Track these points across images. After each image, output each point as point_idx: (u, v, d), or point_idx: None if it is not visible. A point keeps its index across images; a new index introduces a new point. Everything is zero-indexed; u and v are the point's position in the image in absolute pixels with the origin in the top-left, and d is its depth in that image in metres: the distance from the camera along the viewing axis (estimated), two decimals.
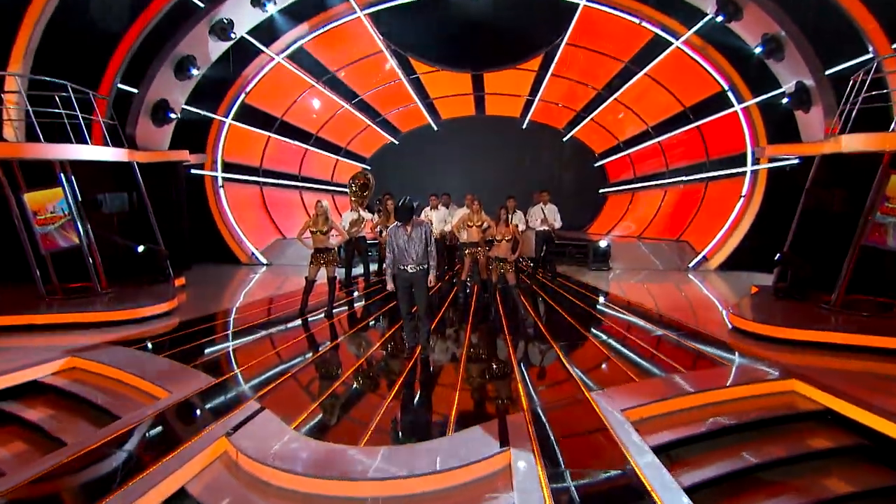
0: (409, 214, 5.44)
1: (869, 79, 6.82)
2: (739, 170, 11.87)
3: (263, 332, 6.85)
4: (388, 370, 5.59)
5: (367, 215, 9.87)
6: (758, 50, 9.28)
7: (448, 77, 14.62)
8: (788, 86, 9.21)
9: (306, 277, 7.49)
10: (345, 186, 12.91)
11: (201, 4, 9.86)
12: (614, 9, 11.35)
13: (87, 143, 7.93)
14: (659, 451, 3.70)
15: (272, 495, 3.29)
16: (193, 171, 12.25)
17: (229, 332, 7.14)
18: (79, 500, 3.30)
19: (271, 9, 10.30)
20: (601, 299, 9.24)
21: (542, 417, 4.13)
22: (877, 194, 6.89)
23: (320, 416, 4.28)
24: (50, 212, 7.75)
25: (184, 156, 10.43)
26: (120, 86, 9.60)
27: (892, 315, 6.65)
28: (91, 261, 8.00)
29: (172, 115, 10.38)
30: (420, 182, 14.36)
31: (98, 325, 6.83)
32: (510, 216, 7.67)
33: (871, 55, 7.89)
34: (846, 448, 4.16)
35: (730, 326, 6.84)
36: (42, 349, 5.66)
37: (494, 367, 5.70)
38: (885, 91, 7.24)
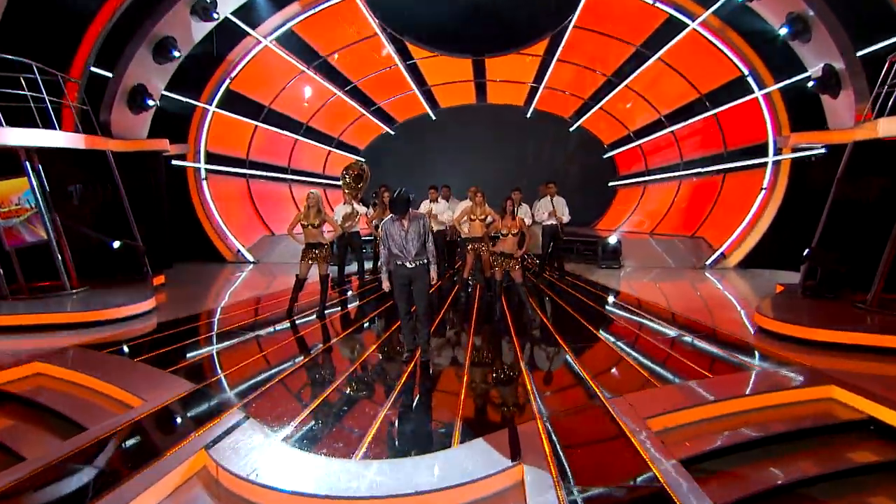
0: (406, 206, 5.30)
1: None
2: (760, 160, 11.73)
3: (249, 335, 6.71)
4: (385, 375, 5.45)
5: (361, 209, 9.71)
6: (783, 31, 9.10)
7: (447, 63, 14.44)
8: (815, 69, 9.05)
9: (297, 275, 7.36)
10: (337, 179, 12.77)
11: None
12: None
13: (55, 129, 7.71)
14: (687, 464, 3.52)
15: None
16: (174, 162, 12.11)
17: (212, 334, 6.99)
18: None
19: None
20: (614, 299, 9.13)
21: (557, 427, 3.95)
22: None
23: (311, 425, 4.11)
24: (15, 204, 7.56)
25: (163, 145, 10.28)
26: (93, 69, 9.39)
27: None
28: (60, 257, 7.84)
29: (151, 102, 10.21)
30: (417, 175, 14.24)
31: (67, 327, 6.69)
32: (516, 209, 7.52)
33: None
34: (893, 462, 3.97)
35: (754, 328, 6.70)
36: (4, 354, 5.50)
37: (501, 371, 5.57)
38: None
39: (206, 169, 12.94)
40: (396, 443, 3.96)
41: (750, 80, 11.44)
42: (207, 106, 12.61)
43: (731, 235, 11.96)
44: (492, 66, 15.08)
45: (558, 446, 3.63)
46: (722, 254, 12.00)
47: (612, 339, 6.52)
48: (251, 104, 13.77)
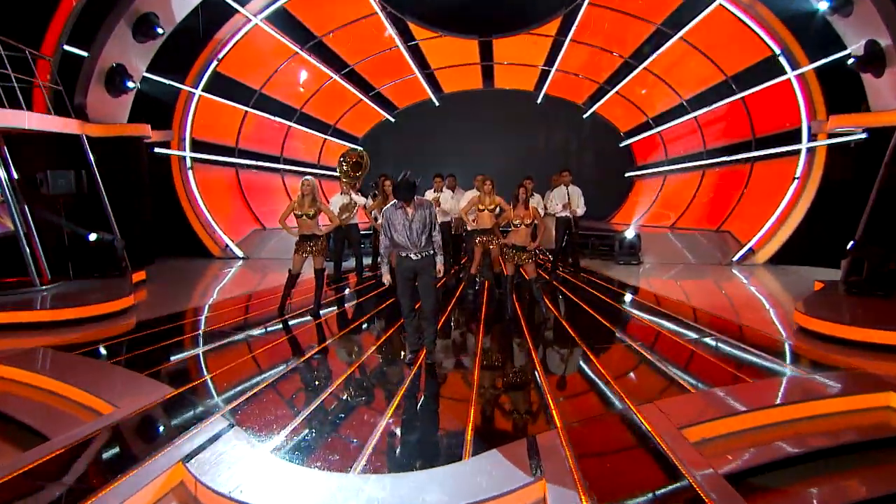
0: (411, 192, 5.15)
1: None
2: (792, 147, 11.57)
3: (236, 335, 6.58)
4: (387, 380, 5.30)
5: (359, 200, 9.50)
6: (822, 5, 8.89)
7: (452, 44, 14.36)
8: (856, 46, 8.83)
9: (290, 270, 7.24)
10: (333, 170, 12.67)
11: None
12: None
13: (24, 110, 7.53)
14: (732, 480, 3.31)
15: None
16: (157, 149, 12.02)
17: (195, 334, 6.88)
18: None
19: None
20: (635, 297, 9.02)
21: (581, 437, 3.79)
22: None
23: (303, 435, 3.94)
24: None
25: (144, 130, 10.17)
26: (67, 47, 9.22)
27: None
28: (29, 250, 7.70)
29: (131, 84, 10.09)
30: (419, 165, 13.97)
31: (36, 327, 6.58)
32: (529, 197, 7.30)
33: None
34: None
35: (794, 328, 6.53)
36: None
37: (515, 375, 5.42)
38: None
39: (191, 158, 12.85)
40: (399, 455, 3.81)
41: (782, 59, 11.24)
42: (193, 89, 12.49)
43: (760, 229, 11.83)
44: (500, 48, 14.96)
45: (585, 458, 3.44)
46: (750, 249, 11.87)
47: (634, 341, 6.35)
48: (240, 88, 13.66)
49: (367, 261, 10.81)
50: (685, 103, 14.60)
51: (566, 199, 9.75)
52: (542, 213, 9.43)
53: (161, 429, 4.04)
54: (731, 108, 13.33)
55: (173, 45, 10.88)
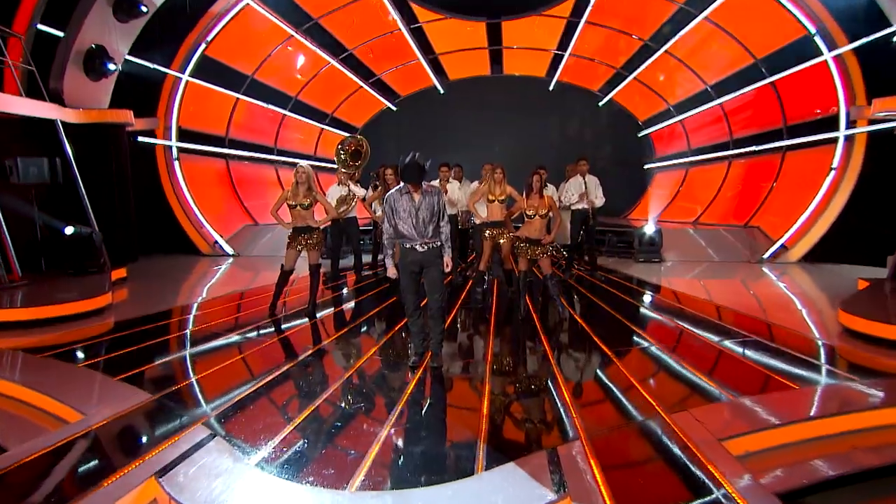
0: (419, 175, 5.01)
1: None
2: (828, 135, 11.45)
3: (222, 337, 6.45)
4: (388, 385, 5.16)
5: (358, 191, 9.32)
6: None
7: (458, 27, 14.33)
8: None
9: (282, 266, 7.12)
10: (331, 162, 12.55)
11: None
12: None
13: None
14: (785, 500, 3.10)
15: None
16: (141, 138, 11.99)
17: (177, 335, 6.77)
18: None
19: None
20: (658, 296, 8.92)
21: (607, 448, 3.63)
22: None
23: (295, 447, 3.78)
24: None
25: (125, 117, 10.13)
26: (41, 26, 9.13)
27: None
28: None
29: (112, 67, 10.06)
30: (422, 156, 13.92)
31: (3, 327, 6.47)
32: (543, 186, 7.11)
33: None
34: None
35: (838, 329, 6.36)
36: None
37: (531, 380, 5.27)
38: None
39: (178, 147, 12.83)
40: (402, 469, 3.64)
41: (818, 39, 11.13)
42: (180, 74, 12.46)
43: (793, 225, 11.75)
44: (509, 31, 14.93)
45: (614, 473, 3.28)
46: (782, 246, 11.81)
47: (664, 342, 6.20)
48: (231, 73, 13.65)
49: (366, 258, 10.64)
50: (710, 89, 14.54)
51: (583, 189, 9.53)
52: (557, 204, 9.28)
53: (134, 439, 3.89)
54: (759, 94, 13.24)
55: (158, 26, 10.83)
